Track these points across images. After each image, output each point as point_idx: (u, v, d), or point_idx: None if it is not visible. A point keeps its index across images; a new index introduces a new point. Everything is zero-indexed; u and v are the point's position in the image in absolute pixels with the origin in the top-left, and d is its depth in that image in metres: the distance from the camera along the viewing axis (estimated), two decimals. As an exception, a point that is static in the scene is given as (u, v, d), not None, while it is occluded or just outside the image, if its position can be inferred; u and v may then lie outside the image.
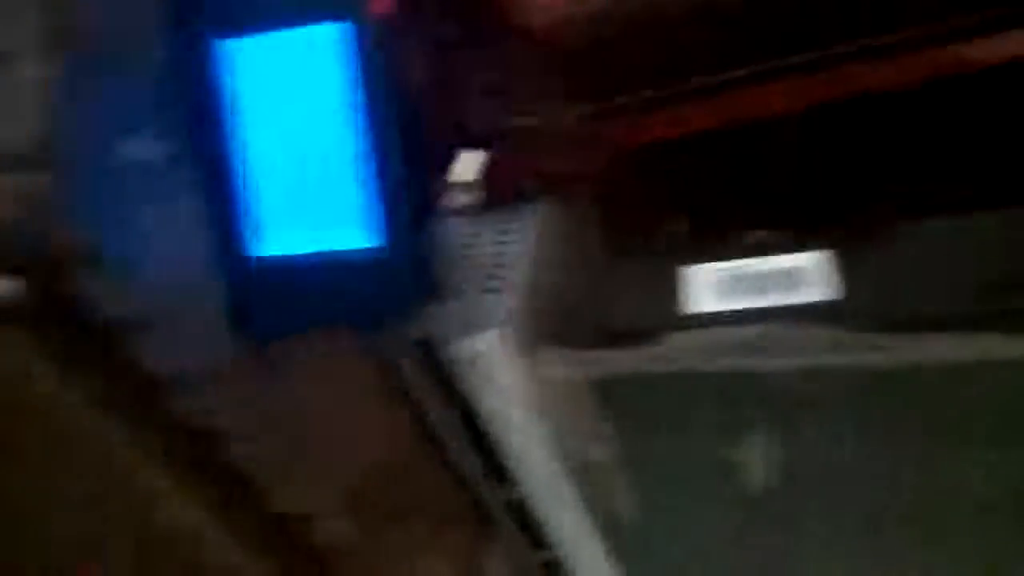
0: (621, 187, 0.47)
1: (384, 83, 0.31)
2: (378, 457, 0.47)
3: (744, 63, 0.42)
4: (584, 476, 0.50)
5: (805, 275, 0.42)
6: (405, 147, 0.32)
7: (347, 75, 0.32)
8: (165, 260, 0.32)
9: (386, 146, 0.32)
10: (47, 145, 0.26)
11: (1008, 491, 0.40)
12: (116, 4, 0.29)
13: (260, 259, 0.34)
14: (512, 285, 0.45)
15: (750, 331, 0.38)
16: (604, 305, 0.45)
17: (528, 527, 0.55)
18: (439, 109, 0.43)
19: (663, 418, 0.43)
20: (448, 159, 0.47)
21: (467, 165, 0.48)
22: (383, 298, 0.34)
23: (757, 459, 0.42)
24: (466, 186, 0.48)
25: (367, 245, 0.33)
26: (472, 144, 0.47)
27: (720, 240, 0.44)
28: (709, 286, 0.43)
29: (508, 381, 0.45)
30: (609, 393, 0.42)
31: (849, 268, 0.41)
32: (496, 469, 0.52)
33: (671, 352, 0.39)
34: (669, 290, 0.43)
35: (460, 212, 0.49)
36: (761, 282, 0.42)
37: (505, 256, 0.47)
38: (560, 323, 0.46)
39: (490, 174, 0.48)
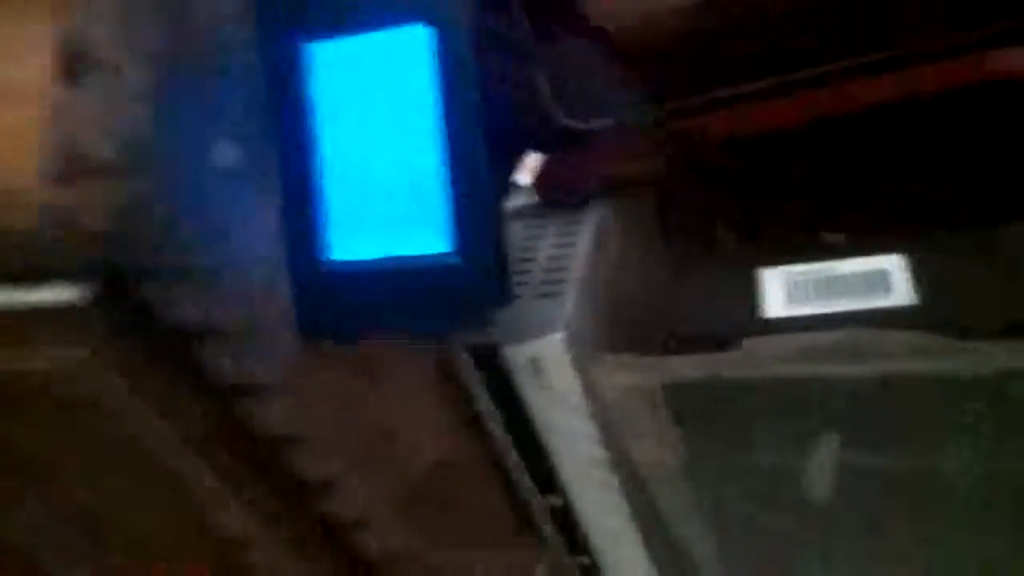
0: (690, 188, 0.46)
1: (472, 88, 0.30)
2: (433, 464, 0.46)
3: (823, 61, 0.41)
4: (636, 484, 0.49)
5: (884, 279, 0.41)
6: (488, 150, 0.31)
7: (434, 79, 0.31)
8: (245, 267, 0.31)
9: (471, 154, 0.31)
10: (137, 152, 0.25)
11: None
12: (219, 10, 0.29)
13: (332, 263, 0.33)
14: (572, 289, 0.45)
15: (827, 336, 0.37)
16: (672, 309, 0.44)
17: (571, 533, 0.55)
18: (510, 110, 0.43)
19: (731, 425, 0.42)
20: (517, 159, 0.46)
21: (531, 167, 0.47)
22: (456, 306, 0.33)
23: (828, 469, 0.41)
24: (528, 188, 0.47)
25: (442, 251, 0.33)
26: (539, 146, 0.46)
27: (795, 242, 0.43)
28: (783, 290, 0.42)
29: (566, 387, 0.45)
30: (677, 400, 0.41)
31: (929, 271, 0.40)
32: (544, 475, 0.51)
33: (743, 358, 0.38)
34: (741, 294, 0.42)
35: (521, 214, 0.48)
36: (838, 286, 0.41)
37: (565, 259, 0.46)
38: (624, 328, 0.45)
39: (549, 175, 0.47)
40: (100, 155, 0.25)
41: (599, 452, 0.48)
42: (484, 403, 0.47)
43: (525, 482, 0.52)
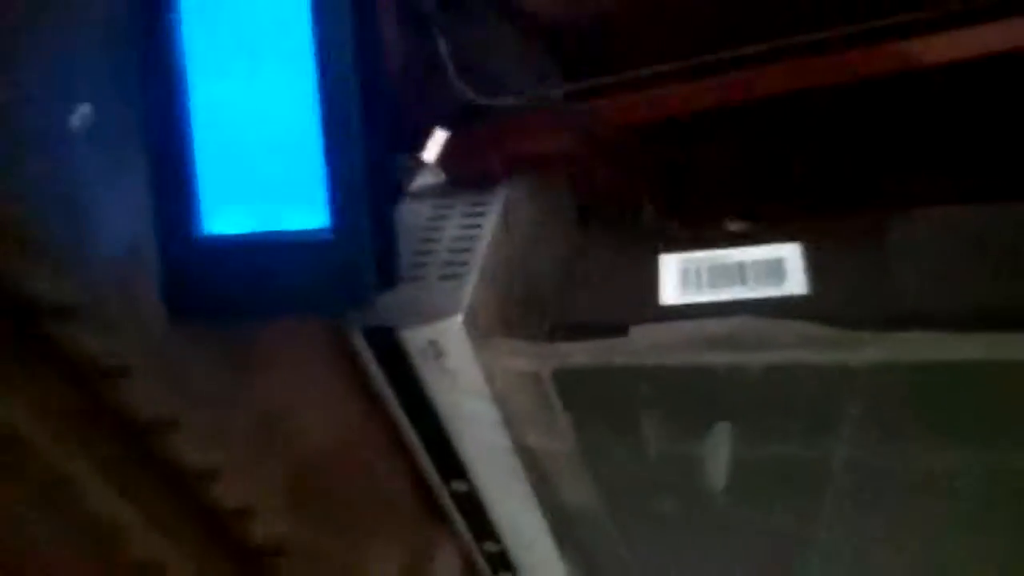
0: (594, 171, 0.45)
1: (352, 51, 0.29)
2: (324, 449, 0.44)
3: (734, 44, 0.40)
4: (537, 469, 0.49)
5: (779, 268, 0.41)
6: (371, 123, 0.29)
7: (312, 39, 0.29)
8: (102, 239, 0.29)
9: (349, 121, 0.29)
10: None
11: (972, 488, 0.40)
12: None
13: (202, 237, 0.31)
14: (475, 272, 0.43)
15: (713, 325, 0.37)
16: (569, 295, 0.44)
17: (477, 519, 0.54)
18: (413, 84, 0.41)
19: (621, 412, 0.41)
20: (421, 137, 0.44)
21: (438, 145, 0.45)
22: (335, 284, 0.32)
23: (717, 456, 0.41)
24: (432, 166, 0.46)
25: (318, 226, 0.31)
26: (444, 122, 0.44)
27: (694, 229, 0.43)
28: (677, 276, 0.42)
29: (464, 371, 0.44)
30: (568, 386, 0.41)
31: (826, 262, 0.40)
32: (447, 460, 0.50)
33: (631, 345, 0.38)
34: (637, 280, 0.42)
35: (424, 193, 0.47)
36: (733, 274, 0.41)
37: (470, 241, 0.45)
38: (522, 312, 0.44)
39: (454, 154, 0.45)
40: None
41: (503, 437, 0.47)
42: (382, 387, 0.46)
43: (428, 467, 0.51)
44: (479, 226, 0.46)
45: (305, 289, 0.31)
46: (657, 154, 0.49)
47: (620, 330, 0.37)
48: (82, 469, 0.36)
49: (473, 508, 0.53)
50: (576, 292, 0.44)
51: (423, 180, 0.49)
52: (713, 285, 0.41)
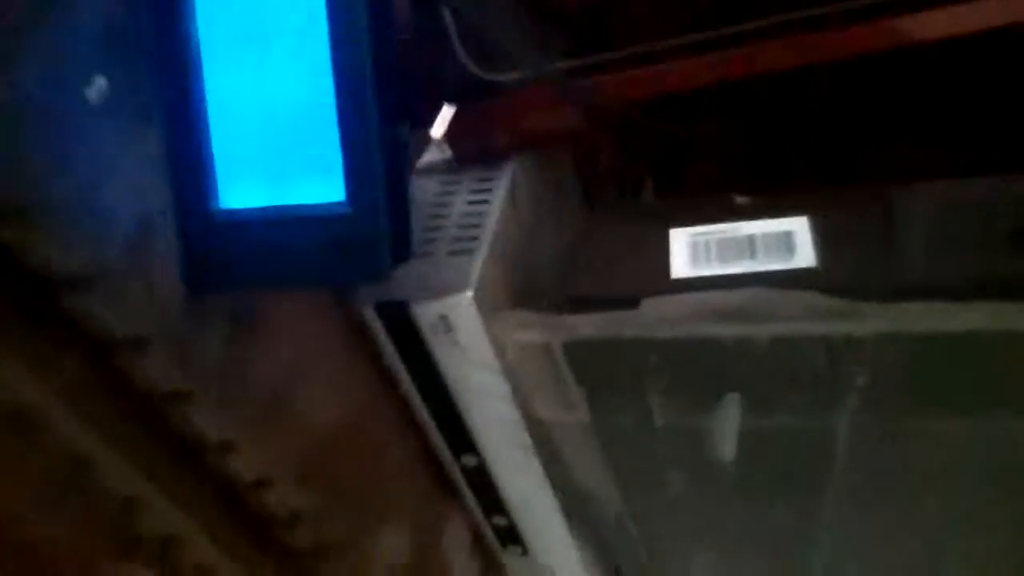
0: (601, 146, 0.46)
1: (366, 28, 0.29)
2: (336, 422, 0.45)
3: (735, 20, 0.40)
4: (547, 442, 0.50)
5: (788, 241, 0.41)
6: (384, 99, 0.30)
7: (326, 13, 0.29)
8: (116, 211, 0.29)
9: (363, 94, 0.29)
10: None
11: (977, 457, 0.40)
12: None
13: (219, 211, 0.32)
14: (484, 247, 0.44)
15: (722, 297, 0.37)
16: (578, 270, 0.44)
17: (487, 493, 0.55)
18: (423, 60, 0.41)
19: (631, 384, 0.42)
20: (431, 113, 0.44)
21: (445, 120, 0.45)
22: (351, 257, 0.32)
23: (726, 428, 0.42)
24: (439, 142, 0.46)
25: (333, 200, 0.31)
26: (451, 98, 0.44)
27: (702, 203, 0.43)
28: (687, 250, 0.42)
29: (475, 345, 0.44)
30: (579, 358, 0.41)
31: (833, 235, 0.40)
32: (457, 434, 0.51)
33: (641, 317, 0.38)
34: (646, 254, 0.42)
35: (432, 170, 0.47)
36: (742, 247, 0.42)
37: (479, 216, 0.45)
38: (532, 286, 0.44)
39: (461, 128, 0.45)
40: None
41: (513, 411, 0.47)
42: (393, 361, 0.46)
43: (439, 441, 0.52)
44: (487, 202, 0.47)
45: (322, 262, 0.32)
46: (658, 130, 0.49)
47: (632, 303, 0.38)
48: (98, 444, 0.36)
49: (483, 482, 0.54)
50: (586, 267, 0.44)
51: (430, 156, 0.49)
52: (723, 259, 0.41)
